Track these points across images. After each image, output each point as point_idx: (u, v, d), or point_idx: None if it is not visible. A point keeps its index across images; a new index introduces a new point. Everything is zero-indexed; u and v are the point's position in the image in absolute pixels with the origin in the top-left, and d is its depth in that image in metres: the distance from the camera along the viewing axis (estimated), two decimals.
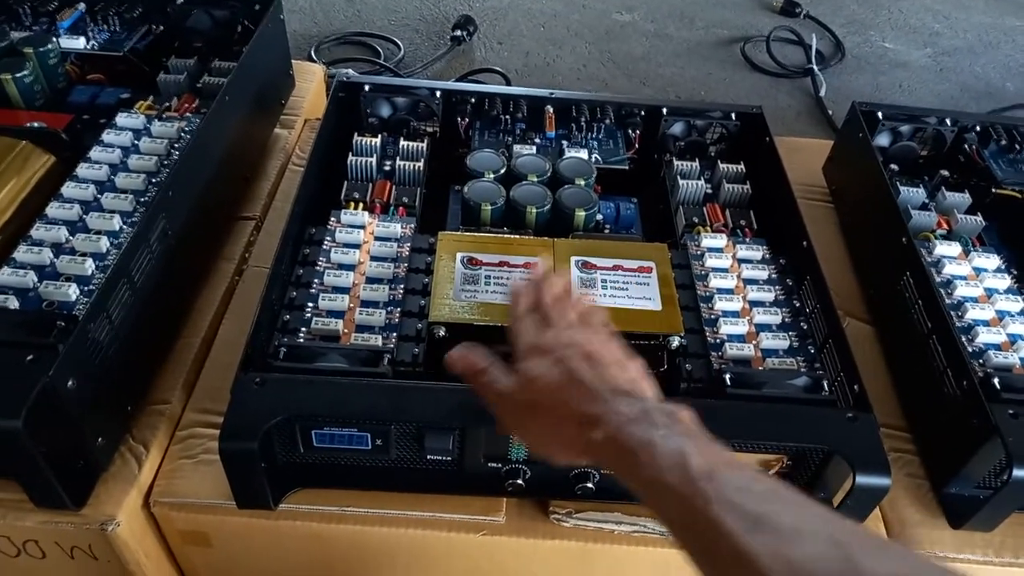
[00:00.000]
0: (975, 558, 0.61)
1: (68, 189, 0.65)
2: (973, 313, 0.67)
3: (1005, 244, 0.77)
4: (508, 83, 1.36)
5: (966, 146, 0.85)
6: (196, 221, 0.69)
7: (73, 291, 0.56)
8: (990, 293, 0.69)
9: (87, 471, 0.56)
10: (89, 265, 0.59)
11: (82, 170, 0.67)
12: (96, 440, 0.56)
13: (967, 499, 0.62)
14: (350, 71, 1.20)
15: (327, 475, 0.59)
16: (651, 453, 0.40)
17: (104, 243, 0.60)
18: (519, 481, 0.59)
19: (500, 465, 0.58)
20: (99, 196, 0.65)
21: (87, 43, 0.85)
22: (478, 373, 0.50)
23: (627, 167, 0.83)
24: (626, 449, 0.41)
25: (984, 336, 0.65)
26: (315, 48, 1.40)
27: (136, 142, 0.70)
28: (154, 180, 0.67)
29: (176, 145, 0.71)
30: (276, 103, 0.93)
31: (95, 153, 0.68)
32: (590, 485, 0.59)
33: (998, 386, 0.59)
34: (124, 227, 0.63)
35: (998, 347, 0.64)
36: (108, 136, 0.70)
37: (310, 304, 0.62)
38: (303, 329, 0.60)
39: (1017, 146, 0.85)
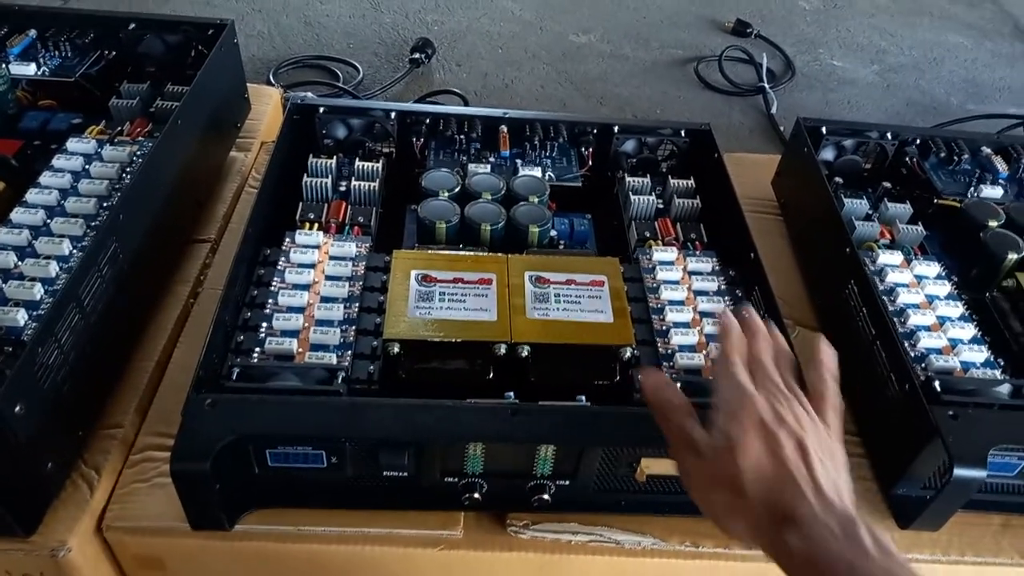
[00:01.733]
0: (923, 557, 0.63)
1: (17, 215, 0.64)
2: (915, 319, 0.69)
3: (945, 252, 0.79)
4: (466, 104, 1.37)
5: (907, 159, 0.88)
6: (149, 245, 0.69)
7: (21, 316, 0.56)
8: (931, 300, 0.71)
9: (37, 497, 0.56)
10: (38, 290, 0.58)
11: (31, 195, 0.66)
12: (46, 465, 0.55)
13: (914, 500, 0.63)
14: (308, 94, 1.20)
15: (283, 494, 0.59)
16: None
17: (53, 268, 0.60)
18: (476, 495, 0.59)
19: (456, 479, 0.59)
20: (48, 221, 0.64)
21: (38, 69, 0.84)
22: (674, 411, 0.47)
23: (580, 184, 0.84)
24: (824, 566, 0.39)
25: (926, 341, 0.67)
26: (273, 72, 1.40)
27: (87, 167, 0.70)
28: (105, 204, 0.67)
29: (128, 169, 0.71)
30: (231, 126, 0.93)
31: (45, 178, 0.68)
32: (546, 497, 0.59)
33: (939, 389, 0.61)
34: (74, 251, 0.62)
35: (939, 351, 0.66)
36: (58, 161, 0.70)
37: (264, 324, 0.62)
38: (257, 349, 0.60)
39: (956, 158, 0.88)
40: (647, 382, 0.50)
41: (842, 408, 0.51)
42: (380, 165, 0.80)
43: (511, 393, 0.59)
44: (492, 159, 0.85)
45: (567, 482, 0.59)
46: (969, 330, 0.68)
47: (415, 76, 1.48)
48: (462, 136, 0.86)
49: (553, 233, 0.77)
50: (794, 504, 0.42)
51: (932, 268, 0.74)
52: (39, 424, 0.53)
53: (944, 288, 0.72)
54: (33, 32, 0.88)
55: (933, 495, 0.60)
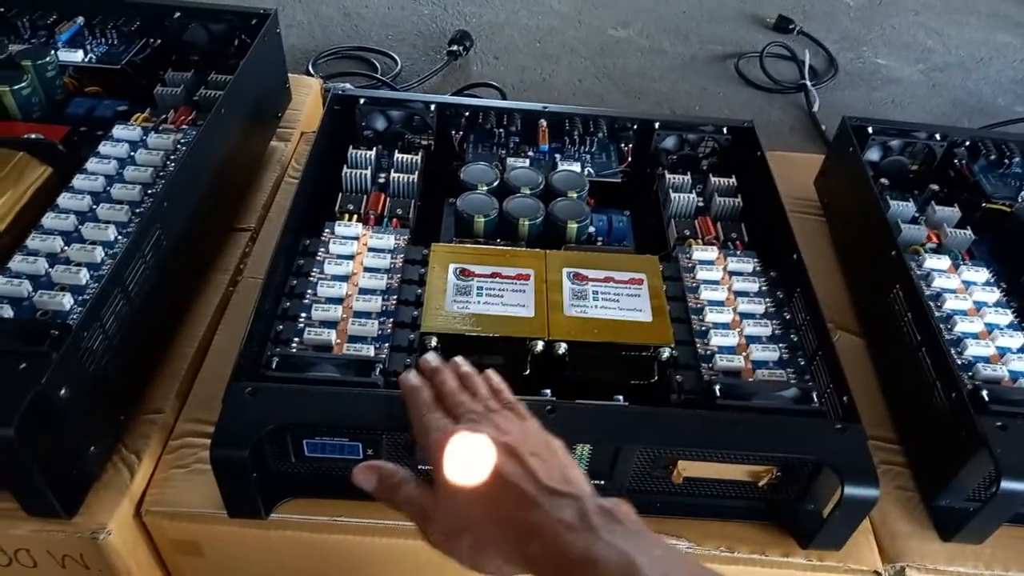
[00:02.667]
0: (965, 570, 0.61)
1: (64, 200, 0.65)
2: (962, 326, 0.67)
3: (994, 258, 0.78)
4: (504, 97, 1.36)
5: (956, 161, 0.86)
6: (191, 232, 0.69)
7: (67, 300, 0.57)
8: (979, 306, 0.69)
9: (79, 479, 0.56)
10: (84, 275, 0.59)
11: (78, 181, 0.67)
12: (88, 449, 0.56)
13: (957, 511, 0.62)
14: (347, 85, 1.20)
15: (319, 485, 0.59)
16: (594, 568, 0.36)
17: (99, 253, 0.61)
18: None
19: None
20: (95, 207, 0.65)
21: (85, 56, 0.86)
22: (390, 488, 0.46)
23: (620, 180, 0.84)
24: (566, 563, 0.37)
25: (973, 349, 0.65)
26: (313, 62, 1.41)
27: (132, 154, 0.71)
28: (150, 191, 0.68)
29: (172, 157, 0.71)
30: (272, 116, 0.93)
31: (91, 164, 0.69)
32: None
33: (986, 398, 0.59)
34: (119, 237, 0.63)
35: (987, 360, 0.65)
36: (104, 148, 0.71)
37: (303, 315, 0.63)
38: (296, 339, 0.61)
39: (1006, 161, 0.85)
40: (355, 471, 0.48)
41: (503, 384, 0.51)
42: (419, 157, 0.80)
43: (548, 390, 0.59)
44: (531, 153, 0.84)
45: (602, 482, 0.59)
46: (1019, 339, 0.66)
47: (452, 68, 1.47)
48: (501, 130, 0.85)
49: (591, 229, 0.77)
50: (527, 513, 0.40)
51: (981, 274, 0.72)
52: (83, 407, 0.54)
53: (993, 295, 0.71)
54: (81, 19, 0.89)
55: (978, 507, 0.59)
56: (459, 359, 0.54)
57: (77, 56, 0.85)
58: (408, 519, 0.46)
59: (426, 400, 0.49)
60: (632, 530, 0.39)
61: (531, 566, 0.40)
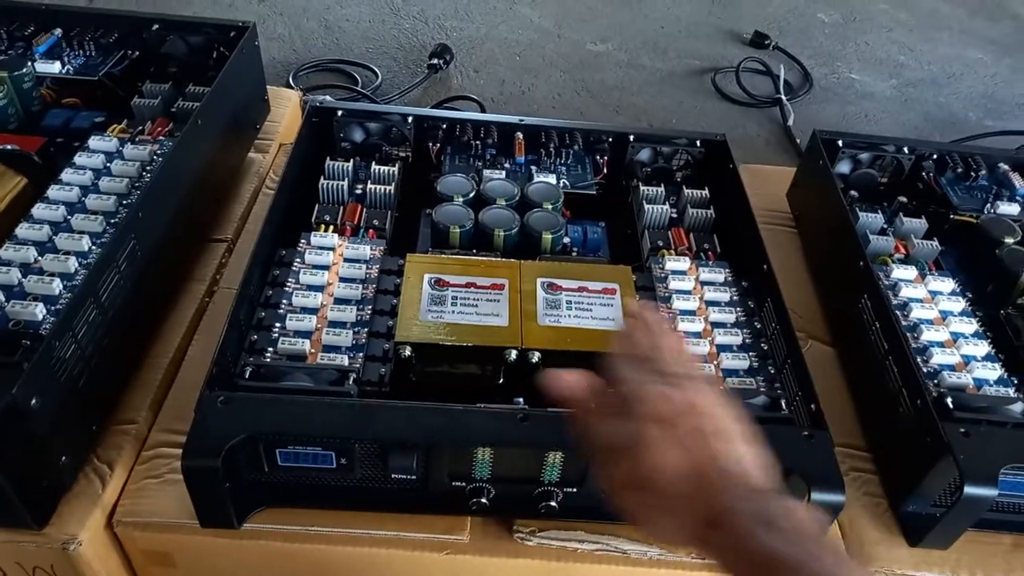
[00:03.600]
0: (932, 575, 0.62)
1: (38, 210, 0.65)
2: (928, 335, 0.68)
3: (961, 269, 0.79)
4: (483, 110, 1.38)
5: (924, 174, 0.88)
6: (167, 243, 0.70)
7: (40, 310, 0.57)
8: (945, 315, 0.71)
9: (50, 490, 0.56)
10: (57, 285, 0.59)
11: (53, 192, 0.67)
12: (60, 459, 0.56)
13: (924, 517, 0.63)
14: (327, 97, 1.21)
15: (292, 494, 0.59)
16: (777, 568, 0.37)
17: (72, 263, 0.61)
18: (483, 500, 0.59)
19: (464, 484, 0.59)
20: (69, 217, 0.65)
21: (63, 67, 0.86)
22: (588, 408, 0.45)
23: (595, 192, 0.85)
24: (749, 560, 0.38)
25: (938, 357, 0.67)
26: (293, 75, 1.42)
27: (108, 164, 0.71)
28: (125, 202, 0.68)
29: (148, 168, 0.71)
30: (250, 128, 0.94)
31: (66, 175, 0.69)
32: (554, 504, 0.59)
33: (951, 405, 0.61)
34: (93, 248, 0.63)
35: (952, 368, 0.66)
36: (80, 158, 0.71)
37: (277, 324, 0.63)
38: (270, 349, 0.61)
39: (973, 174, 0.87)
40: (556, 375, 0.47)
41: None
42: (396, 169, 0.80)
43: (521, 399, 0.60)
44: (507, 165, 0.85)
45: (574, 489, 0.59)
46: (983, 347, 0.68)
47: (433, 81, 1.49)
48: (478, 142, 0.86)
49: (566, 240, 0.77)
50: (717, 501, 0.40)
51: (947, 284, 0.74)
52: (54, 417, 0.54)
53: (959, 304, 0.72)
54: (58, 31, 0.89)
55: (943, 513, 0.60)
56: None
57: (55, 68, 0.85)
58: (589, 448, 0.45)
59: (634, 345, 0.48)
60: (809, 533, 0.39)
61: (710, 550, 0.41)
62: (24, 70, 0.79)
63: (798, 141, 1.39)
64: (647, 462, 0.42)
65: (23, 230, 0.63)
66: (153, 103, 0.80)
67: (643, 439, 0.42)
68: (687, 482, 0.41)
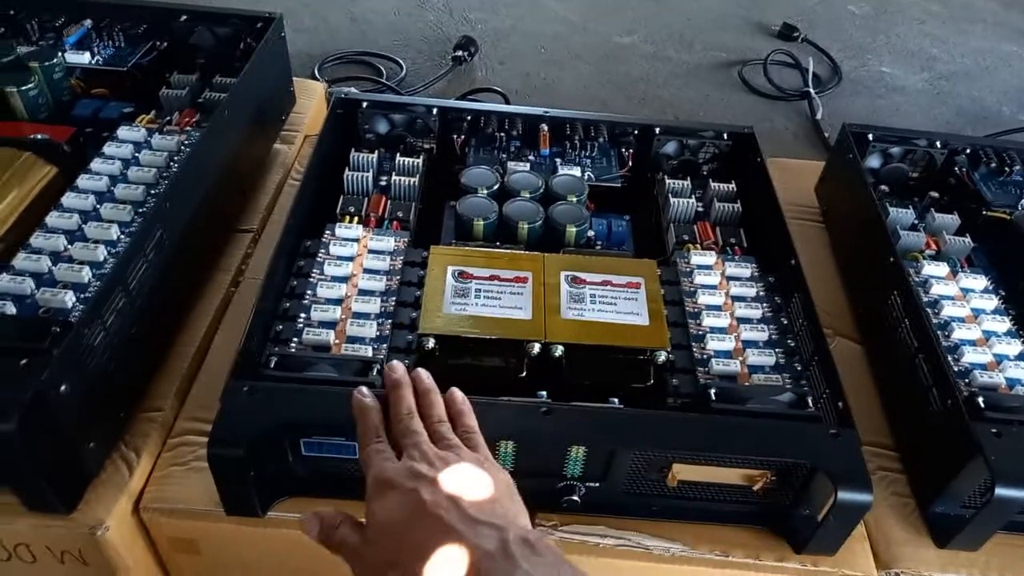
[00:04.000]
0: None
1: (68, 199, 0.66)
2: (959, 333, 0.67)
3: (994, 266, 0.78)
4: (508, 103, 1.37)
5: (956, 168, 0.87)
6: (193, 232, 0.70)
7: (69, 298, 0.57)
8: (977, 313, 0.70)
9: (78, 476, 0.57)
10: (86, 273, 0.60)
11: (82, 181, 0.68)
12: (88, 445, 0.57)
13: (952, 518, 0.62)
14: (352, 88, 1.21)
15: (316, 484, 0.60)
16: None
17: (101, 252, 0.61)
18: None
19: None
20: (98, 206, 0.66)
21: (92, 58, 0.87)
22: (327, 531, 0.46)
23: (620, 185, 0.84)
24: None
25: (970, 356, 0.65)
26: (319, 66, 1.42)
27: (136, 155, 0.72)
28: (153, 192, 0.68)
29: (176, 158, 0.72)
30: (276, 119, 0.94)
31: (96, 165, 0.70)
32: (576, 498, 0.59)
33: (982, 405, 0.60)
34: (122, 237, 0.64)
35: (984, 367, 0.65)
36: (109, 148, 0.72)
37: (302, 315, 0.63)
38: (295, 339, 0.61)
39: (1006, 169, 0.86)
40: (303, 521, 0.48)
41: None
42: (421, 161, 0.80)
43: (544, 392, 0.59)
44: (532, 157, 0.85)
45: (597, 484, 0.59)
46: (1016, 346, 0.67)
47: (458, 74, 1.48)
48: (502, 134, 0.86)
49: (591, 233, 0.77)
50: (447, 541, 0.40)
51: (979, 281, 0.72)
52: (83, 404, 0.55)
53: (991, 302, 0.71)
54: (88, 22, 0.90)
55: (973, 514, 0.59)
56: (423, 373, 0.52)
57: (84, 58, 0.86)
58: (345, 561, 0.46)
59: (374, 425, 0.49)
60: (549, 561, 0.39)
61: None
62: (54, 61, 0.80)
63: (827, 135, 1.37)
64: (376, 532, 0.43)
65: (53, 219, 0.64)
66: (181, 94, 0.80)
67: (371, 514, 0.44)
68: (412, 530, 0.42)
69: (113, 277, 0.58)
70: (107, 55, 0.88)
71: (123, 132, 0.74)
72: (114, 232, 0.63)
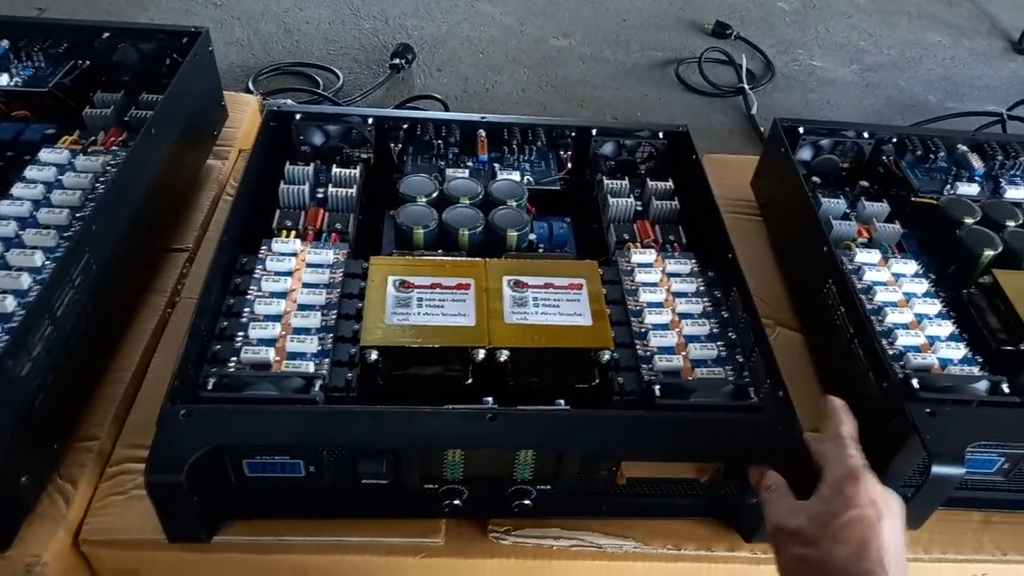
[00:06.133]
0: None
1: None
2: (893, 317, 0.69)
3: (923, 250, 0.80)
4: (447, 109, 1.37)
5: (884, 158, 0.89)
6: (123, 255, 0.68)
7: None
8: (909, 297, 0.71)
9: (11, 511, 0.55)
10: (10, 303, 0.57)
11: (3, 206, 0.66)
12: (20, 479, 0.55)
13: None
14: (287, 101, 1.19)
15: (261, 504, 0.58)
16: None
17: (25, 280, 0.59)
18: (456, 501, 0.59)
19: (436, 486, 0.58)
20: (21, 232, 0.64)
21: (11, 79, 0.84)
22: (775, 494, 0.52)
23: (560, 187, 0.84)
24: None
25: (904, 339, 0.67)
26: (253, 79, 1.40)
27: (60, 177, 0.70)
28: (79, 215, 0.66)
29: (101, 179, 0.70)
30: (208, 134, 0.92)
31: (17, 190, 0.68)
32: (527, 502, 0.59)
33: (916, 386, 0.61)
34: (47, 263, 0.62)
35: (917, 349, 0.67)
36: (31, 172, 0.70)
37: (240, 333, 0.62)
38: (233, 359, 0.60)
39: (932, 156, 0.88)
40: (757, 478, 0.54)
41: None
42: (358, 171, 0.79)
43: (490, 398, 0.59)
44: (470, 163, 0.85)
45: (548, 487, 0.59)
46: (947, 327, 0.68)
47: (396, 81, 1.47)
48: (440, 141, 0.85)
49: (532, 237, 0.77)
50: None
51: (910, 266, 0.74)
52: (12, 438, 0.53)
53: (922, 286, 0.73)
54: (6, 42, 0.87)
55: (913, 493, 0.60)
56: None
57: (2, 80, 0.83)
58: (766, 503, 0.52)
59: (849, 429, 0.55)
60: None
61: None
62: None
63: (762, 129, 1.40)
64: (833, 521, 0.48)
65: None
66: (105, 113, 0.78)
67: (848, 520, 0.48)
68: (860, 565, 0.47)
69: (38, 306, 0.56)
70: (27, 76, 0.85)
71: (45, 155, 0.72)
72: (39, 258, 0.61)
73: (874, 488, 0.50)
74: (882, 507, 0.49)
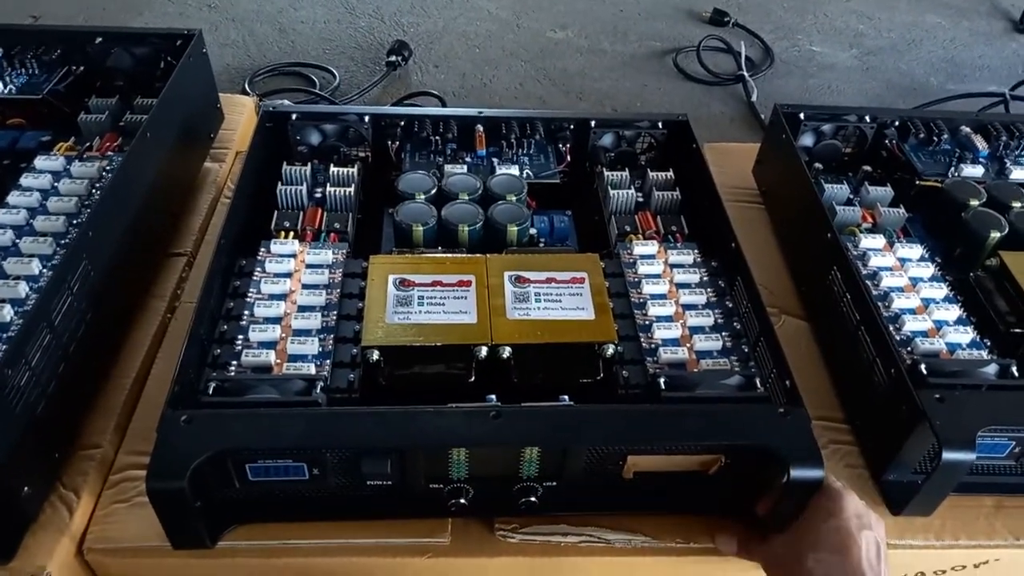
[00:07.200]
0: (916, 543, 0.62)
1: None
2: (899, 302, 0.68)
3: (928, 234, 0.79)
4: (444, 105, 1.36)
5: (887, 141, 0.88)
6: (121, 260, 0.68)
7: None
8: (915, 282, 0.71)
9: (14, 522, 0.55)
10: (7, 311, 0.57)
11: None
12: (22, 490, 0.54)
13: (905, 485, 0.63)
14: (284, 101, 1.19)
15: (265, 508, 0.58)
16: None
17: (23, 288, 0.59)
18: (462, 500, 0.58)
19: (442, 485, 0.58)
20: (17, 241, 0.63)
21: (4, 87, 0.83)
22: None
23: (559, 181, 0.84)
24: None
25: (911, 324, 0.66)
26: (249, 80, 1.39)
27: (55, 184, 0.69)
28: (75, 221, 0.66)
29: (98, 185, 0.70)
30: (204, 137, 0.92)
31: (12, 198, 0.67)
32: (534, 499, 0.58)
33: (925, 372, 0.60)
34: (44, 271, 0.61)
35: (924, 334, 0.66)
36: (26, 180, 0.69)
37: (240, 337, 0.61)
38: (233, 362, 0.60)
39: (935, 139, 0.87)
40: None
41: None
42: (355, 170, 0.79)
43: (493, 396, 0.58)
44: (468, 159, 0.84)
45: (554, 483, 0.58)
46: (954, 311, 0.68)
47: (392, 79, 1.47)
48: (437, 137, 0.85)
49: (533, 231, 0.76)
50: None
51: (915, 250, 0.74)
52: (12, 448, 0.52)
53: (928, 270, 0.72)
54: None
55: (924, 480, 0.59)
56: None
57: None
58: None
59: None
60: None
61: None
62: None
63: (763, 117, 1.39)
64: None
65: None
66: (100, 118, 0.78)
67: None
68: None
69: (36, 314, 0.55)
70: (20, 83, 0.85)
71: (40, 162, 0.71)
72: (35, 266, 0.61)
73: (856, 503, 0.54)
74: (865, 519, 0.53)
